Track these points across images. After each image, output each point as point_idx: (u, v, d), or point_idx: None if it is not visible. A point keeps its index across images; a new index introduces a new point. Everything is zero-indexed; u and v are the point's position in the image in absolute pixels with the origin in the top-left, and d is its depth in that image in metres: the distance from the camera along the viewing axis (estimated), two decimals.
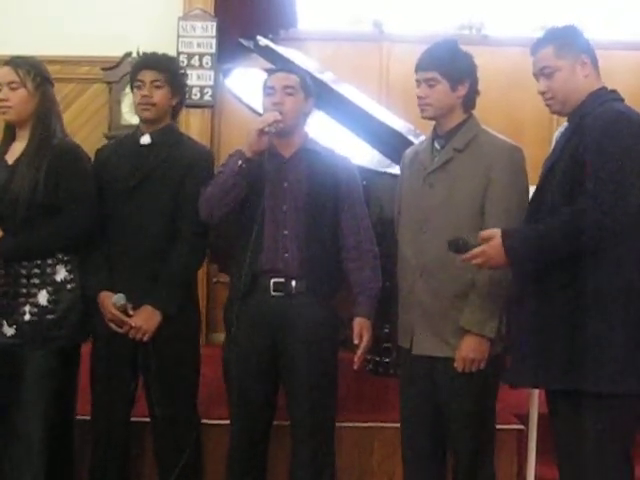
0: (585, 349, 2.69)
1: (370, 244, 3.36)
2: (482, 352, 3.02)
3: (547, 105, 2.91)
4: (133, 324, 3.34)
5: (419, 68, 3.15)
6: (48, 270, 3.30)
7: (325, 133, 3.62)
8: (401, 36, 6.02)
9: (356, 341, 3.29)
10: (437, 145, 3.19)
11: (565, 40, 2.86)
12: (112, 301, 3.35)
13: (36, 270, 3.29)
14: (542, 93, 2.89)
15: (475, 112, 3.19)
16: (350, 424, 3.80)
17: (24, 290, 3.28)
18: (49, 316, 3.28)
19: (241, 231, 3.32)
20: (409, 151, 3.37)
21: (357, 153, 3.52)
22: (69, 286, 3.33)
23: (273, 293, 3.29)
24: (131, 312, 3.35)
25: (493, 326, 3.00)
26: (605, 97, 2.83)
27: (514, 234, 2.80)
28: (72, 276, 3.34)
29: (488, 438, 3.17)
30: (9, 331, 3.28)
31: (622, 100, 2.86)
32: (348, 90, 4.35)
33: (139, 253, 3.41)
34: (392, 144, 3.91)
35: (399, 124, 3.99)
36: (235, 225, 3.37)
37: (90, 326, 3.43)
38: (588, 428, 2.72)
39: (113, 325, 3.36)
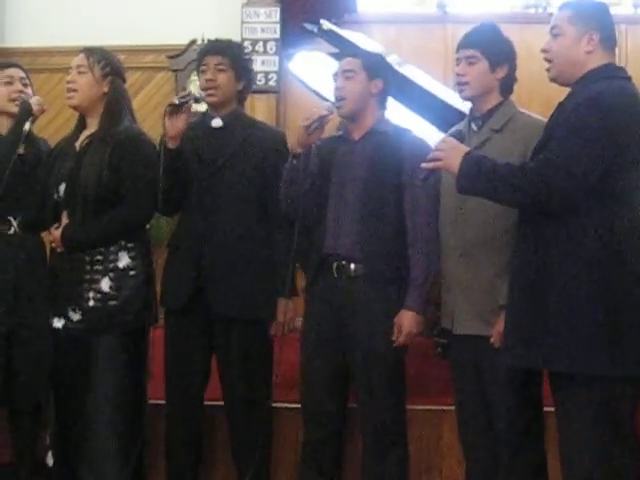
0: (553, 325, 2.71)
1: (426, 228, 3.28)
2: None
3: (546, 70, 2.89)
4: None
5: (460, 46, 3.18)
6: (111, 257, 3.35)
7: (392, 116, 3.59)
8: (465, 17, 6.04)
9: (394, 337, 3.26)
10: (474, 127, 3.20)
11: (585, 12, 2.84)
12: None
13: (99, 257, 3.35)
14: (544, 51, 2.88)
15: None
16: (419, 407, 3.79)
17: (88, 276, 3.34)
18: (112, 302, 3.32)
19: (312, 217, 3.37)
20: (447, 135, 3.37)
21: (424, 135, 3.50)
22: (132, 272, 3.37)
23: (336, 276, 3.33)
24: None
25: None
26: (606, 73, 2.80)
27: (475, 155, 2.84)
28: (135, 262, 3.38)
29: (536, 420, 3.13)
30: (75, 317, 3.34)
31: (627, 78, 2.83)
32: (414, 72, 4.33)
33: (223, 236, 3.46)
34: None
35: (466, 106, 3.97)
36: (309, 211, 3.39)
37: (156, 311, 3.49)
38: (580, 411, 2.71)
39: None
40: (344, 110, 3.35)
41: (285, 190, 3.36)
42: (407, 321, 3.25)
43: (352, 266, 3.31)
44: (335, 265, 3.32)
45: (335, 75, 3.41)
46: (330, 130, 3.57)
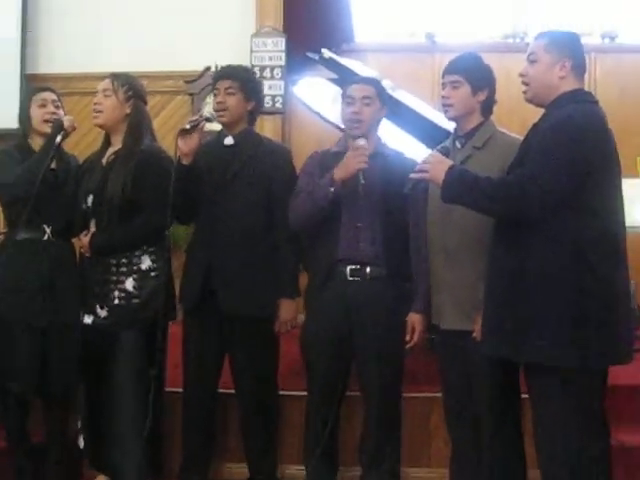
0: (527, 321, 2.86)
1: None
2: None
3: (523, 92, 3.06)
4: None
5: (446, 72, 3.37)
6: (135, 260, 3.55)
7: (386, 137, 3.81)
8: (451, 46, 6.15)
9: (407, 337, 3.43)
10: (458, 144, 3.37)
11: (559, 41, 3.03)
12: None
13: (124, 260, 3.54)
14: (521, 75, 3.05)
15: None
16: (411, 394, 3.97)
17: (114, 277, 3.54)
18: (135, 300, 3.52)
19: (322, 226, 3.57)
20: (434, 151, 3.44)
21: (416, 155, 3.66)
22: (153, 274, 3.55)
23: (350, 278, 3.54)
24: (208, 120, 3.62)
25: None
26: (577, 97, 2.97)
27: (458, 168, 3.01)
28: (156, 265, 3.56)
29: (513, 404, 3.26)
30: (102, 313, 3.55)
31: (594, 102, 3.01)
32: (405, 96, 4.48)
33: (231, 243, 3.65)
34: None
35: (451, 125, 4.20)
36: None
37: (174, 308, 3.71)
38: (552, 399, 2.88)
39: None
40: (360, 132, 3.54)
41: (313, 212, 3.53)
42: (418, 322, 3.43)
43: (368, 269, 3.52)
44: (349, 268, 3.53)
45: (348, 98, 3.58)
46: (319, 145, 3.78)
